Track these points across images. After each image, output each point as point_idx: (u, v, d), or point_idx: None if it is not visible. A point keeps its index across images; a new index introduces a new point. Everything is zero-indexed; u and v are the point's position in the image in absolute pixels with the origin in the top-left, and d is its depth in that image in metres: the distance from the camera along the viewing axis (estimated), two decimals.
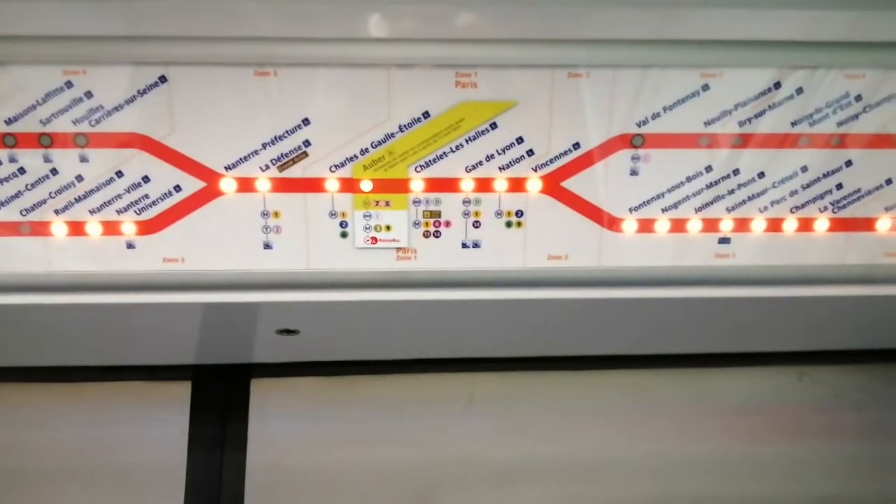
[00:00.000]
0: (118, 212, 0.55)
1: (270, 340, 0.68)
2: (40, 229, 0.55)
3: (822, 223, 0.57)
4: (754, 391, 0.79)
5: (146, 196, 0.54)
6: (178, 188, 0.54)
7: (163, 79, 0.52)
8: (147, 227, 0.55)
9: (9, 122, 0.52)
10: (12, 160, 0.53)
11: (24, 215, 0.54)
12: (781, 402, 0.79)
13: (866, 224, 0.58)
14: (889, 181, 0.57)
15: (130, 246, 0.55)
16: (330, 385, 0.78)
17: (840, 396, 0.80)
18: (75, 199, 0.54)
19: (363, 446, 0.77)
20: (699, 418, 0.78)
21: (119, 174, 0.54)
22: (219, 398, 0.78)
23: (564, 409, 0.78)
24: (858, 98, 0.55)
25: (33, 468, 0.76)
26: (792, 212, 0.57)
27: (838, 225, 0.58)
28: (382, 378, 0.77)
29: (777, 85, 0.54)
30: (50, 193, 0.54)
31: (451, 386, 0.77)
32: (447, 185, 0.55)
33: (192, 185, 0.54)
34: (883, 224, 0.58)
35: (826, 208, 0.57)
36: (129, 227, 0.55)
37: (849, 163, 0.56)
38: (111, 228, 0.55)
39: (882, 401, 0.80)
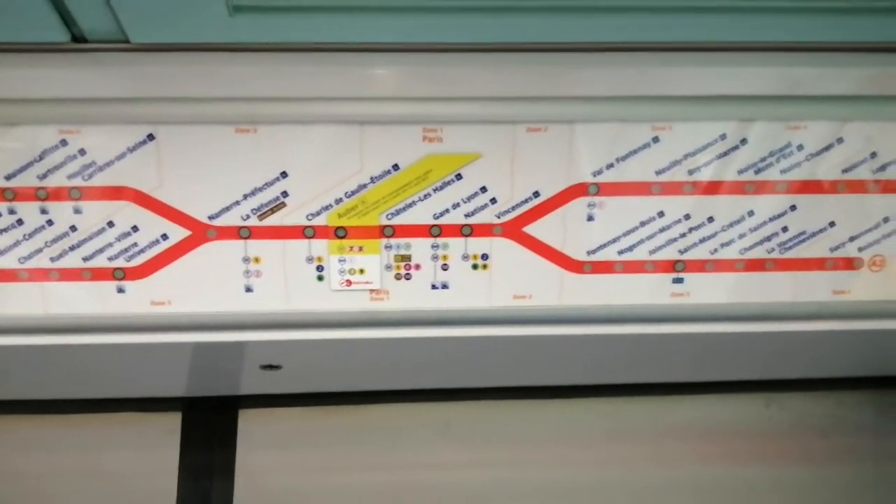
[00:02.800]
0: (109, 259, 0.59)
1: (255, 374, 0.72)
2: (37, 276, 0.59)
3: (770, 263, 0.61)
4: (723, 418, 0.82)
5: (135, 244, 0.58)
6: (164, 236, 0.58)
7: (150, 137, 0.56)
8: (136, 273, 0.59)
9: (8, 177, 0.57)
10: (11, 212, 0.57)
11: (22, 263, 0.58)
12: (750, 428, 0.82)
13: (813, 264, 0.61)
14: (832, 223, 0.61)
15: (121, 290, 0.59)
16: (314, 415, 0.81)
17: (806, 423, 0.83)
18: (69, 247, 0.58)
19: (346, 473, 0.80)
20: (669, 444, 0.81)
21: (110, 224, 0.58)
22: (208, 428, 0.82)
23: (539, 436, 0.81)
24: (800, 147, 0.59)
25: (29, 496, 0.79)
26: (741, 253, 0.61)
27: (786, 265, 0.61)
28: (363, 408, 0.80)
29: (723, 136, 0.58)
30: (46, 242, 0.58)
31: (428, 414, 0.81)
32: (416, 231, 0.59)
33: (178, 233, 0.58)
34: (829, 263, 0.61)
35: (773, 249, 0.61)
36: (119, 273, 0.59)
37: (793, 207, 0.60)
38: (103, 274, 0.59)
39: (846, 426, 0.83)
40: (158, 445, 0.81)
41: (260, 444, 0.81)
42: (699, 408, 0.82)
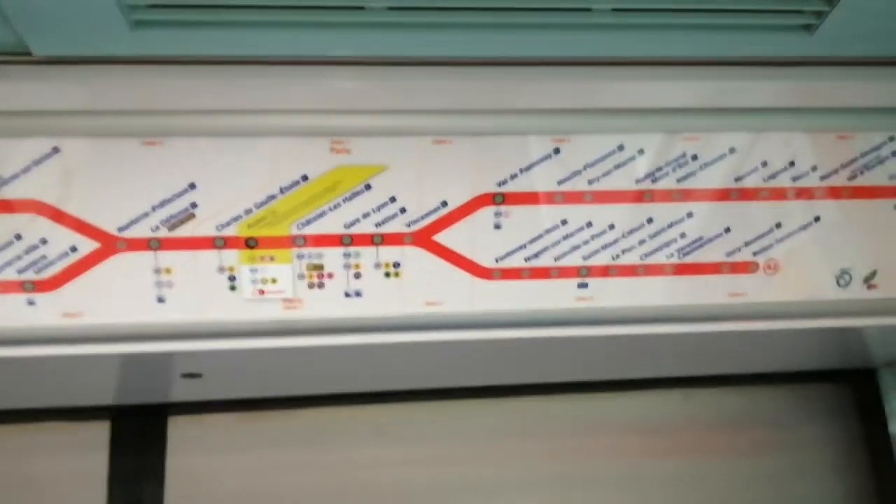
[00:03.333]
0: (18, 272, 0.58)
1: (179, 382, 0.72)
2: None
3: (669, 268, 0.64)
4: (643, 412, 0.86)
5: (44, 257, 0.58)
6: (74, 248, 0.58)
7: (56, 149, 0.56)
8: (46, 286, 0.59)
9: None
10: None
11: None
12: (669, 421, 0.86)
13: (709, 268, 0.64)
14: (728, 230, 0.64)
15: (31, 303, 0.59)
16: (242, 420, 0.82)
17: (721, 416, 0.87)
18: None
19: (275, 477, 0.81)
20: (591, 439, 0.84)
21: (18, 237, 0.58)
22: (137, 435, 0.82)
23: (462, 434, 0.83)
24: (695, 157, 0.62)
25: None
26: (642, 259, 0.63)
27: (684, 269, 0.64)
28: (292, 412, 0.81)
29: (621, 147, 0.61)
30: None
31: (357, 417, 0.82)
32: (328, 240, 0.60)
33: (87, 245, 0.58)
34: (725, 268, 0.64)
35: (673, 255, 0.64)
36: (28, 286, 0.59)
37: (690, 214, 0.63)
38: (11, 287, 0.59)
39: (759, 419, 0.87)
40: (88, 453, 0.81)
41: (189, 449, 0.81)
42: (618, 404, 0.86)
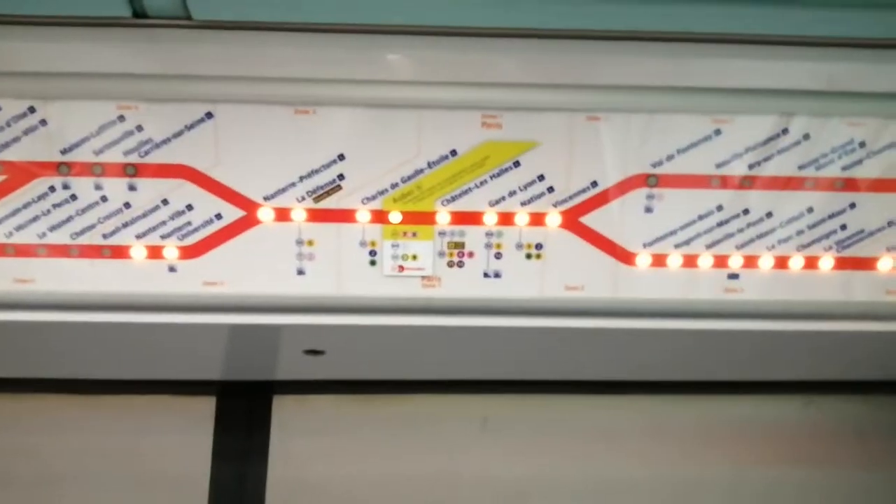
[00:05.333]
0: (162, 237, 0.58)
1: (296, 359, 0.71)
2: (88, 252, 0.58)
3: (826, 261, 0.60)
4: (762, 417, 0.82)
5: (189, 223, 0.58)
6: (219, 216, 0.58)
7: (209, 115, 0.55)
8: (189, 252, 0.59)
9: (63, 152, 0.56)
10: (66, 187, 0.57)
11: (74, 239, 0.58)
12: (788, 428, 0.82)
13: (869, 263, 0.61)
14: (891, 223, 0.60)
15: (172, 269, 0.59)
16: (349, 403, 0.80)
17: (843, 425, 0.82)
18: (122, 224, 0.58)
19: (379, 463, 0.80)
20: (708, 442, 0.81)
21: (165, 202, 0.57)
22: (242, 413, 0.81)
23: (577, 431, 0.80)
24: (862, 144, 0.58)
25: (63, 475, 0.79)
26: (798, 250, 0.60)
27: (842, 263, 0.60)
28: (400, 397, 0.80)
29: (785, 131, 0.57)
30: (99, 219, 0.58)
31: (467, 406, 0.80)
32: (471, 218, 0.59)
33: (232, 213, 0.58)
34: (885, 263, 0.60)
35: (831, 247, 0.60)
36: (171, 252, 0.58)
37: (853, 205, 0.59)
38: (155, 253, 0.58)
39: (883, 430, 0.82)
40: (192, 428, 0.81)
41: (293, 430, 0.80)
42: (738, 407, 0.82)
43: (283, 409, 0.81)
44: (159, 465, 0.80)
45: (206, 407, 0.82)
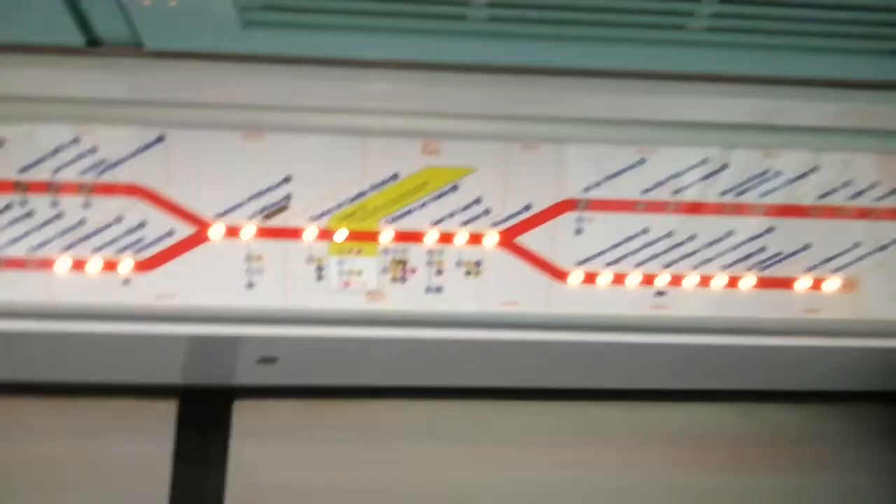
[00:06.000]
0: (117, 252, 0.61)
1: (252, 367, 0.74)
2: (44, 265, 0.61)
3: (748, 281, 0.64)
4: (700, 425, 0.86)
5: (142, 239, 0.61)
6: (171, 233, 0.61)
7: (160, 138, 0.58)
8: (143, 266, 0.61)
9: (22, 170, 0.59)
10: (23, 203, 0.60)
11: (31, 252, 0.60)
12: (724, 435, 0.86)
13: (787, 283, 0.65)
14: (806, 247, 0.64)
15: (127, 282, 0.62)
16: (307, 408, 0.83)
17: (778, 433, 0.87)
18: (78, 239, 0.60)
19: (334, 467, 0.83)
20: (645, 449, 0.85)
21: (119, 219, 0.60)
22: (203, 418, 0.84)
23: (519, 436, 0.84)
24: (778, 174, 0.62)
25: (23, 479, 0.81)
26: (721, 270, 0.64)
27: (763, 283, 0.64)
28: (353, 403, 0.83)
29: (705, 161, 0.61)
30: (56, 233, 0.60)
31: (417, 412, 0.84)
32: (413, 236, 0.62)
33: (184, 230, 0.61)
34: (801, 284, 0.65)
35: (752, 268, 0.64)
36: (126, 266, 0.61)
37: (770, 229, 0.63)
38: (109, 266, 0.61)
39: (814, 437, 0.87)
40: (153, 432, 0.83)
41: (253, 435, 0.83)
42: (675, 415, 0.86)
43: (243, 414, 0.84)
44: (120, 469, 0.82)
45: (168, 410, 0.84)
